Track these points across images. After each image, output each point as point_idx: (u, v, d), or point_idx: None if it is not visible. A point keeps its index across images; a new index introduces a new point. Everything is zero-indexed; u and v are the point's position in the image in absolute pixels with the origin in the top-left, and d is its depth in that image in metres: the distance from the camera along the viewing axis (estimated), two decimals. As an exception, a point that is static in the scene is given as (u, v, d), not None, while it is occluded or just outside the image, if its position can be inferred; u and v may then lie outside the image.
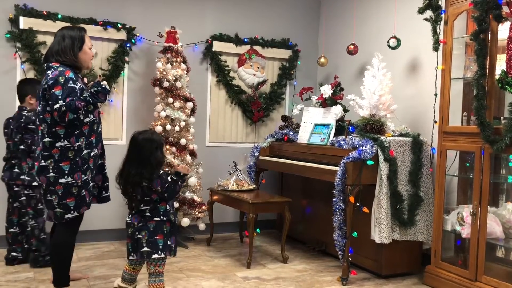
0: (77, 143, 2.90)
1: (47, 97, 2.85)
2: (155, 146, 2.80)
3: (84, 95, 2.89)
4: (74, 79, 2.88)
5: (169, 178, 2.81)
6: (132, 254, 2.80)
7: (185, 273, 3.71)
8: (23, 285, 3.31)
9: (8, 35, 4.18)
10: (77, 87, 2.87)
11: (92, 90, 2.93)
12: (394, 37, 4.18)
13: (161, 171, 2.81)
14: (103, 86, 2.96)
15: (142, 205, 2.77)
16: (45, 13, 4.25)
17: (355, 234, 3.57)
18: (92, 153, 3.00)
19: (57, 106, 2.78)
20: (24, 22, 4.18)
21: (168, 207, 2.82)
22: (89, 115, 2.93)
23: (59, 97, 2.79)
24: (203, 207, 4.46)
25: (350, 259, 3.59)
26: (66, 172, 2.87)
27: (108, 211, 4.42)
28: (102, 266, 3.80)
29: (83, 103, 2.85)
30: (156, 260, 2.76)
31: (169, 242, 2.79)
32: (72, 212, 2.92)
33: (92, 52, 3.16)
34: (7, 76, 4.23)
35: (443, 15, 3.55)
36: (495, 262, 3.40)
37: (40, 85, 2.97)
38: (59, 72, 2.87)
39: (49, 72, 2.91)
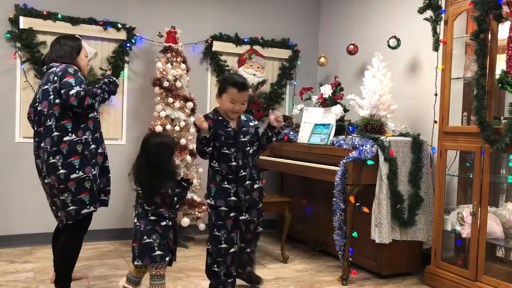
0: (84, 136, 2.90)
1: (58, 88, 2.84)
2: (170, 153, 2.76)
3: (97, 84, 3.00)
4: (80, 72, 2.95)
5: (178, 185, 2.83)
6: (137, 259, 2.72)
7: (185, 273, 3.71)
8: (23, 285, 3.31)
9: (8, 35, 4.18)
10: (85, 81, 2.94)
11: (106, 80, 3.04)
12: (394, 37, 4.18)
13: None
14: (113, 78, 3.09)
15: (145, 205, 2.75)
16: (45, 13, 4.25)
17: (355, 234, 3.57)
18: (100, 150, 3.02)
19: (73, 91, 2.78)
20: (24, 22, 4.18)
21: (170, 213, 2.77)
22: (94, 111, 2.98)
23: (73, 84, 2.81)
24: (203, 207, 4.45)
25: (350, 259, 3.59)
26: (77, 166, 2.85)
27: (108, 211, 4.41)
28: (102, 266, 3.80)
29: (99, 91, 2.92)
30: (165, 262, 2.74)
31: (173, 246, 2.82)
32: (88, 207, 2.91)
33: (87, 61, 3.20)
34: (7, 76, 4.23)
35: (443, 15, 3.55)
36: (495, 262, 3.41)
37: (42, 84, 2.96)
38: (66, 65, 2.93)
39: (52, 69, 2.94)
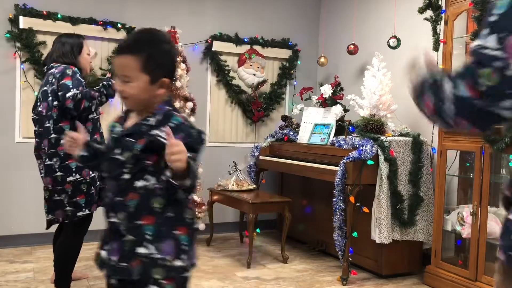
0: None
1: (56, 90, 2.85)
2: None
3: (96, 87, 2.98)
4: (79, 74, 2.93)
5: None
6: None
7: (185, 273, 3.70)
8: (23, 285, 3.31)
9: (8, 35, 4.18)
10: (83, 82, 2.93)
11: (104, 83, 3.02)
12: (394, 37, 4.18)
13: None
14: (113, 81, 3.01)
15: None
16: (45, 13, 4.25)
17: (355, 234, 3.57)
18: None
19: (70, 94, 2.78)
20: (24, 22, 4.18)
21: None
22: (93, 112, 2.98)
23: (71, 86, 2.81)
24: (203, 207, 4.45)
25: (350, 259, 3.59)
26: (74, 169, 2.87)
27: (108, 211, 4.43)
28: (102, 266, 3.80)
29: (97, 94, 2.91)
30: None
31: None
32: (83, 209, 2.92)
33: (90, 59, 3.18)
34: (7, 76, 4.23)
35: (443, 15, 3.55)
36: (495, 262, 3.40)
37: (42, 85, 2.97)
38: (64, 67, 2.91)
39: (52, 70, 2.94)
